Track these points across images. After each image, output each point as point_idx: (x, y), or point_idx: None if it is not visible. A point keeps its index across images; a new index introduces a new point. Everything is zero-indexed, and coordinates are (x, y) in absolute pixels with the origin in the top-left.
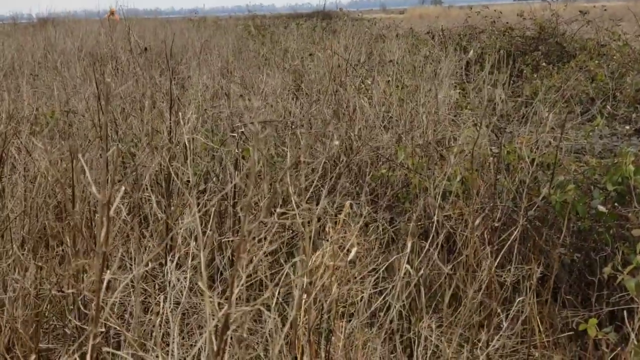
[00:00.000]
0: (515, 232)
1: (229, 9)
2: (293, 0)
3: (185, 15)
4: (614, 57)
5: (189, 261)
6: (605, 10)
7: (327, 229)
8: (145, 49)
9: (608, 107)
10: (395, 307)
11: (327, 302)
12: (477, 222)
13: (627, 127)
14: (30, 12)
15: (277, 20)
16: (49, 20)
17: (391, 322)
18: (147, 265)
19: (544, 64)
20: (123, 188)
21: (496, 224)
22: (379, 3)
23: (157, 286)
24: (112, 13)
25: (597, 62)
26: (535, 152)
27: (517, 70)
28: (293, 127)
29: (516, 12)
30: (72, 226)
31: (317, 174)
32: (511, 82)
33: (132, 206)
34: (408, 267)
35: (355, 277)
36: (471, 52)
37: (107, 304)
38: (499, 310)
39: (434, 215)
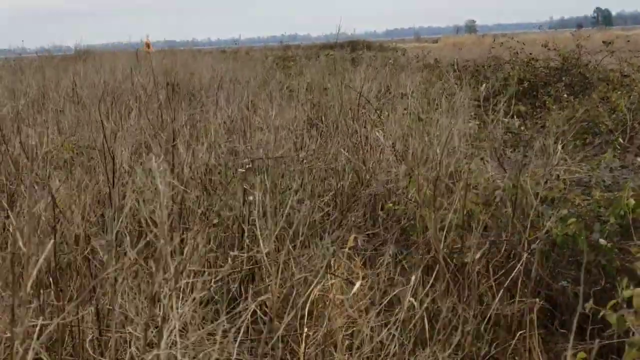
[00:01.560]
0: (519, 265)
1: (265, 39)
2: (328, 29)
3: (221, 46)
4: (635, 88)
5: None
6: (628, 41)
7: (331, 263)
8: (168, 83)
9: (620, 139)
10: (398, 338)
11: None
12: (477, 255)
13: (639, 159)
14: (70, 45)
15: (310, 50)
16: (85, 53)
17: (395, 354)
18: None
19: (565, 95)
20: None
21: (499, 257)
22: (413, 32)
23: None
24: (147, 45)
25: (619, 93)
26: (542, 185)
27: (539, 101)
28: (304, 161)
29: (541, 43)
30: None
31: (328, 208)
32: (534, 113)
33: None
34: (412, 300)
35: (360, 310)
36: (483, 86)
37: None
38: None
39: (440, 248)
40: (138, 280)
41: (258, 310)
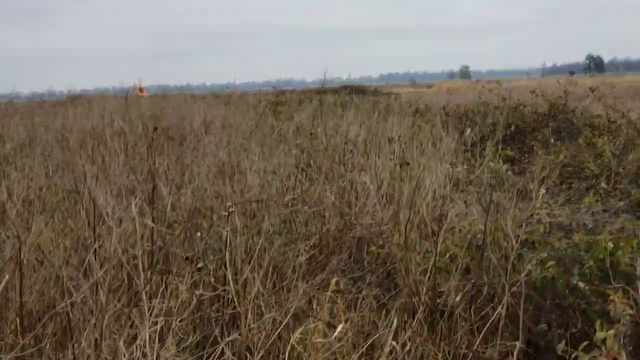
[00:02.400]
0: (500, 308)
1: (260, 83)
2: (322, 74)
3: (216, 90)
4: (620, 134)
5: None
6: (614, 87)
7: (313, 306)
8: (155, 128)
9: (602, 183)
10: None
11: None
12: (458, 298)
13: (621, 204)
14: (63, 89)
15: (304, 95)
16: (78, 97)
17: None
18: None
19: (552, 140)
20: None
21: (480, 300)
22: (408, 77)
23: None
24: (140, 90)
25: (605, 138)
26: (523, 229)
27: (526, 146)
28: (290, 205)
29: (529, 89)
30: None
31: (314, 250)
32: (522, 157)
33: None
34: (394, 343)
35: (342, 353)
36: (468, 131)
37: None
38: None
39: (422, 291)
40: (117, 325)
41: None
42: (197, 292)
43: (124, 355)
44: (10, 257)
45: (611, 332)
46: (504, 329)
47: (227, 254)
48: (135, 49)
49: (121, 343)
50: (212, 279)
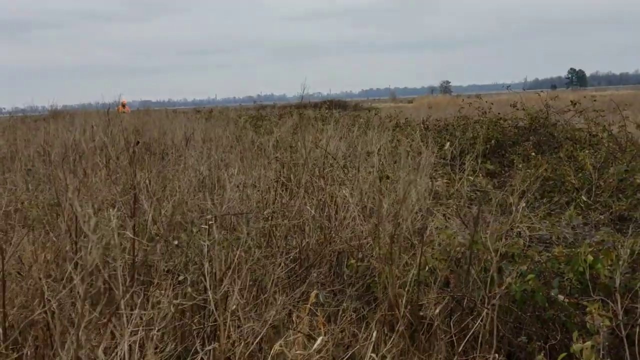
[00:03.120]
0: (479, 320)
1: (240, 99)
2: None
3: (197, 106)
4: (601, 147)
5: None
6: (594, 101)
7: (293, 318)
8: (137, 142)
9: (583, 196)
10: None
11: None
12: (437, 310)
13: (602, 217)
14: (45, 105)
15: (284, 110)
16: (60, 113)
17: None
18: None
19: (533, 153)
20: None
21: (460, 313)
22: (388, 92)
23: None
24: (123, 105)
25: (586, 151)
26: (502, 242)
27: (507, 159)
28: (270, 218)
29: (510, 103)
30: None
31: (293, 264)
32: (502, 171)
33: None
34: (374, 355)
35: None
36: (447, 145)
37: None
38: None
39: (400, 304)
40: (97, 335)
41: None
42: (175, 302)
43: None
44: None
45: (588, 343)
46: (483, 342)
47: (207, 266)
48: (116, 64)
49: (100, 352)
50: (193, 291)
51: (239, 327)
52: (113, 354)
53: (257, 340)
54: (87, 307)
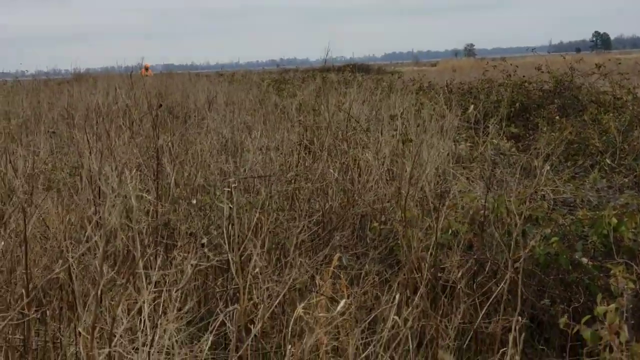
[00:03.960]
0: (502, 284)
1: (264, 62)
2: (327, 53)
3: (220, 69)
4: (625, 111)
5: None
6: (619, 63)
7: (316, 281)
8: (160, 105)
9: (607, 160)
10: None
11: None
12: (459, 273)
13: (626, 180)
14: (68, 68)
15: (307, 73)
16: (83, 76)
17: None
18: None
19: (557, 116)
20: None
21: (483, 276)
22: (411, 56)
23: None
24: (146, 68)
25: (610, 115)
26: (526, 205)
27: (531, 123)
28: (293, 181)
29: (535, 66)
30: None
31: (317, 227)
32: (526, 134)
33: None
34: (396, 318)
35: (345, 328)
36: (471, 108)
37: None
38: None
39: (424, 267)
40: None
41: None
42: (193, 263)
43: (122, 323)
44: (15, 230)
45: (612, 306)
46: (506, 305)
47: (229, 228)
48: (140, 27)
49: (120, 311)
50: (215, 254)
51: (260, 289)
52: (132, 313)
53: (277, 302)
54: (106, 267)
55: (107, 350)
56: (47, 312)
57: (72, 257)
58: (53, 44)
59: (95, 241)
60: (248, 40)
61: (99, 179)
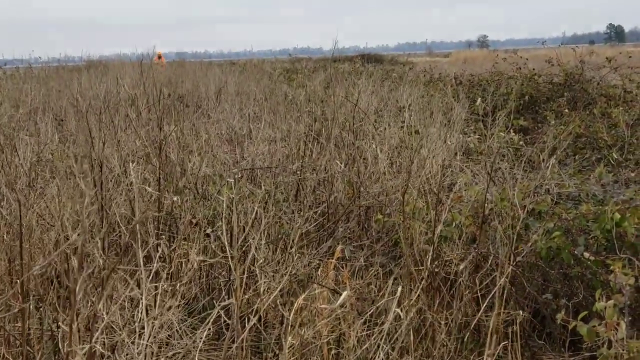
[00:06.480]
0: (503, 277)
1: (277, 51)
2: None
3: (233, 58)
4: (635, 104)
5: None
6: (630, 57)
7: (319, 273)
8: (169, 95)
9: (615, 154)
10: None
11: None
12: (462, 266)
13: (632, 174)
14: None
15: (318, 63)
16: (95, 63)
17: None
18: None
19: (566, 110)
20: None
21: (485, 269)
22: (424, 46)
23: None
24: (159, 57)
25: (620, 108)
26: (530, 199)
27: (540, 116)
28: (298, 172)
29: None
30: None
31: (321, 218)
32: (535, 127)
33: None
34: (398, 310)
35: (347, 320)
36: (479, 100)
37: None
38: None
39: (426, 259)
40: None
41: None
42: (197, 258)
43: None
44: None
45: (610, 302)
46: (508, 299)
47: (232, 220)
48: (155, 15)
49: (117, 305)
50: (219, 244)
51: (261, 280)
52: (133, 302)
53: (277, 292)
54: (107, 257)
55: (87, 346)
56: (45, 302)
57: (73, 248)
58: (63, 31)
59: (93, 231)
60: (262, 30)
61: (102, 169)
